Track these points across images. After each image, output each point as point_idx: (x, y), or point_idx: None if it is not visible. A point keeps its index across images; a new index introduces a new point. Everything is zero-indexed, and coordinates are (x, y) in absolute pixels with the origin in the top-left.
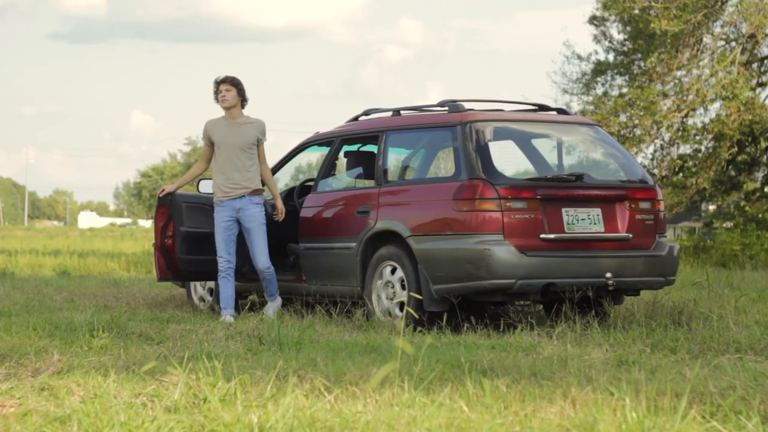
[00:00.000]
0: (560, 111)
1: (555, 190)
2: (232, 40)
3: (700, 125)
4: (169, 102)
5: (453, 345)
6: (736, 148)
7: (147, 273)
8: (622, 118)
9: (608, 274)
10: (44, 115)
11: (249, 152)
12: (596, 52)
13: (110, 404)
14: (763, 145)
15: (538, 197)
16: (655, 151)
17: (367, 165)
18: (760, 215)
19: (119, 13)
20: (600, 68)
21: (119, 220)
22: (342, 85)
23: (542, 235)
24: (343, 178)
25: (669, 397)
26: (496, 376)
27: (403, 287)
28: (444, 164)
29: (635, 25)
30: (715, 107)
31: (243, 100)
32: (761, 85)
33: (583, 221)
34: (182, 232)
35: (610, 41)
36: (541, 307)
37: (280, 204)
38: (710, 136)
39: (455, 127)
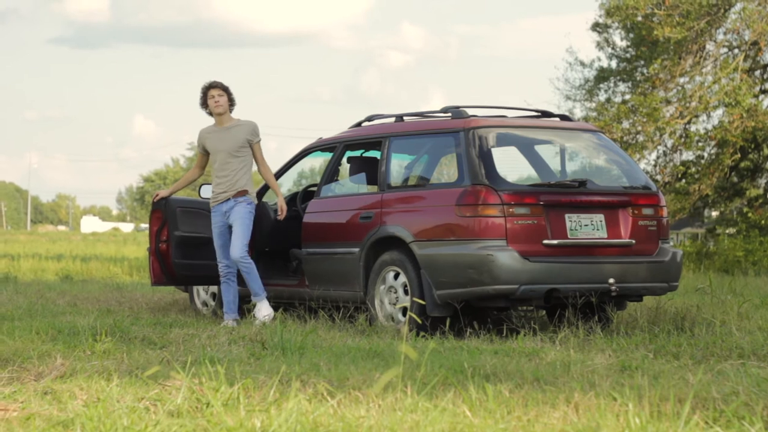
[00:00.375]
0: (563, 117)
1: (558, 196)
2: (234, 45)
3: (702, 132)
4: (172, 107)
5: (456, 350)
6: (738, 155)
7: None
8: (625, 124)
9: (611, 280)
10: (47, 120)
11: (238, 155)
12: (599, 59)
13: (113, 408)
14: (766, 151)
15: (541, 203)
16: (657, 157)
17: (370, 171)
18: (762, 221)
19: (121, 18)
20: (603, 75)
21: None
22: (344, 90)
23: (545, 241)
24: (346, 183)
25: (672, 403)
26: (499, 381)
27: (406, 292)
28: (447, 170)
29: (638, 32)
30: (717, 114)
31: (232, 105)
32: (764, 92)
33: (586, 227)
34: (176, 236)
35: (613, 48)
36: (543, 312)
37: (282, 202)
38: (713, 143)
39: (458, 133)
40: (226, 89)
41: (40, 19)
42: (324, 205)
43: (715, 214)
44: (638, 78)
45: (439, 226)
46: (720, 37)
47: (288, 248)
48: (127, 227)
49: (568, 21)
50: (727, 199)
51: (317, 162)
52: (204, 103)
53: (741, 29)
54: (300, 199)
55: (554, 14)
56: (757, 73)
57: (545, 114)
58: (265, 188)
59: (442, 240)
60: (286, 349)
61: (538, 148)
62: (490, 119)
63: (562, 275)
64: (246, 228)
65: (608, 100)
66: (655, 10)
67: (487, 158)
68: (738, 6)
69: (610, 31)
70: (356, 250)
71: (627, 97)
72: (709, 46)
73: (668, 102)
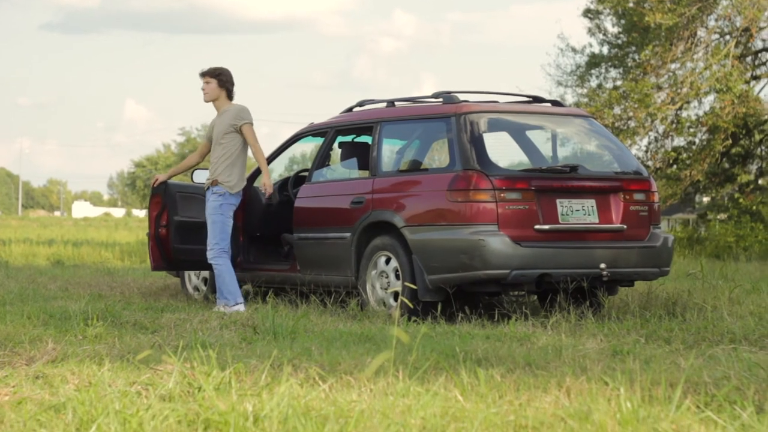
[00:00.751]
0: (555, 103)
1: (549, 182)
2: (226, 31)
3: (694, 118)
4: (163, 92)
5: (447, 335)
6: (730, 141)
7: (141, 262)
8: (617, 110)
9: (602, 265)
10: (38, 106)
11: (221, 142)
12: (590, 45)
13: (105, 393)
14: (757, 137)
15: (533, 188)
16: (649, 143)
17: (362, 156)
18: (753, 207)
19: (113, 4)
20: (594, 61)
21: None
22: (336, 76)
23: (536, 226)
24: (338, 168)
25: (663, 387)
26: (491, 366)
27: (397, 277)
28: (438, 155)
29: (629, 18)
30: (709, 100)
31: (228, 90)
32: (755, 78)
33: (578, 212)
34: (176, 221)
35: (604, 34)
36: (535, 297)
37: (267, 180)
38: (704, 129)
39: (450, 118)
40: (216, 75)
41: (31, 5)
42: (315, 190)
43: (706, 199)
44: (629, 64)
45: (430, 211)
46: (711, 23)
47: (279, 233)
48: (118, 212)
49: (560, 7)
50: (719, 184)
51: (308, 147)
52: None
53: (732, 15)
54: (291, 184)
55: (546, 1)
56: (749, 59)
57: (537, 99)
58: (258, 172)
59: (433, 225)
60: (277, 333)
61: (530, 134)
62: (482, 104)
63: (553, 260)
64: (213, 225)
65: (599, 86)
66: None
67: (478, 143)
68: None
69: (602, 17)
70: (348, 235)
71: (618, 83)
72: (701, 33)
73: (659, 88)
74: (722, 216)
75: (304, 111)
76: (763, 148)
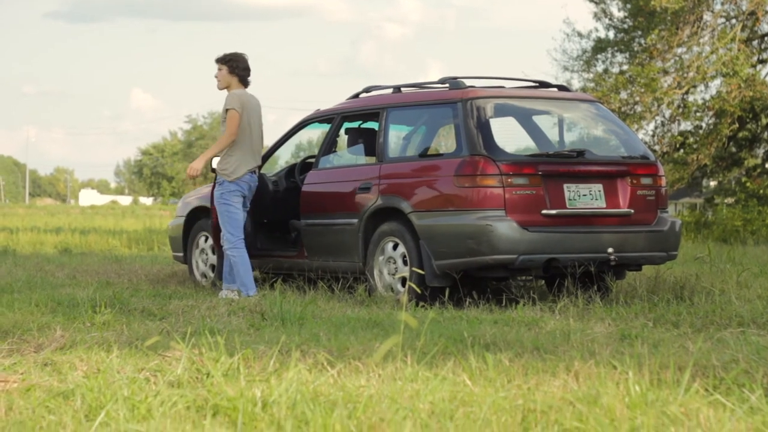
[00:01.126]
0: (561, 88)
1: (556, 166)
2: (231, 18)
3: (700, 102)
4: (169, 80)
5: (455, 320)
6: (736, 125)
7: (148, 250)
8: (623, 95)
9: (610, 250)
10: (44, 94)
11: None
12: (596, 30)
13: (113, 379)
14: (764, 121)
15: (540, 173)
16: (655, 127)
17: (368, 142)
18: (761, 191)
19: None
20: (600, 45)
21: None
22: (341, 62)
23: (544, 211)
24: (344, 155)
25: (672, 371)
26: (499, 351)
27: (404, 263)
28: (445, 141)
29: (635, 2)
30: (715, 84)
31: (240, 76)
32: (762, 62)
33: (585, 197)
34: None
35: (610, 19)
36: (543, 282)
37: (194, 163)
38: (711, 113)
39: (456, 103)
40: (226, 61)
41: None
42: (322, 176)
43: (713, 183)
44: (636, 48)
45: (437, 197)
46: (717, 7)
47: (287, 220)
48: (125, 200)
49: None
50: (726, 168)
51: (315, 134)
52: None
53: None
54: (298, 170)
55: None
56: (755, 43)
57: (543, 84)
58: (266, 158)
59: (440, 210)
60: (285, 319)
61: (537, 119)
62: (488, 90)
63: (560, 245)
64: (220, 215)
65: (606, 70)
66: None
67: (485, 129)
68: None
69: (608, 1)
70: (355, 221)
71: (625, 67)
72: (707, 16)
73: (666, 72)
74: (729, 200)
75: (310, 98)
76: None
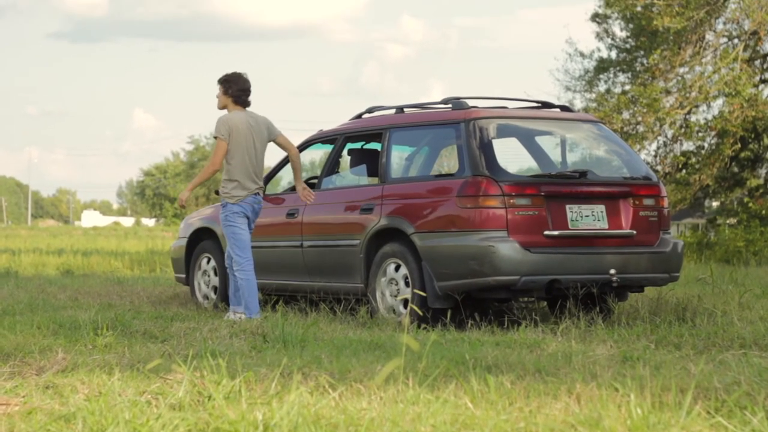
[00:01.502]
0: (563, 108)
1: (559, 187)
2: (233, 38)
3: (703, 122)
4: (171, 100)
5: (457, 342)
6: (739, 145)
7: (150, 272)
8: (625, 115)
9: (612, 271)
10: (47, 115)
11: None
12: (599, 50)
13: (115, 402)
14: (766, 141)
15: (542, 194)
16: (658, 147)
17: (371, 162)
18: (763, 211)
19: (120, 12)
20: (603, 65)
21: (124, 219)
22: (344, 83)
23: (546, 232)
24: (347, 175)
25: (674, 393)
26: (501, 373)
27: (407, 284)
28: (447, 161)
29: (638, 22)
30: (717, 104)
31: (234, 97)
32: (764, 81)
33: (587, 218)
34: None
35: (612, 38)
36: (545, 303)
37: (182, 194)
38: (713, 133)
39: (459, 124)
40: (221, 82)
41: (38, 14)
42: (325, 197)
43: (715, 204)
44: (638, 68)
45: (440, 218)
46: (720, 26)
47: None
48: (127, 221)
49: (568, 12)
50: (728, 189)
51: (318, 154)
52: None
53: (740, 19)
54: None
55: (554, 5)
56: (757, 62)
57: (546, 105)
58: (269, 177)
59: (443, 231)
60: (287, 341)
61: (539, 139)
62: (491, 110)
63: (563, 266)
64: (227, 237)
65: (608, 90)
66: (655, 0)
67: (487, 149)
68: None
69: (610, 21)
70: (357, 242)
71: (627, 87)
72: (709, 36)
73: (668, 92)
74: (732, 220)
75: (312, 118)
76: None
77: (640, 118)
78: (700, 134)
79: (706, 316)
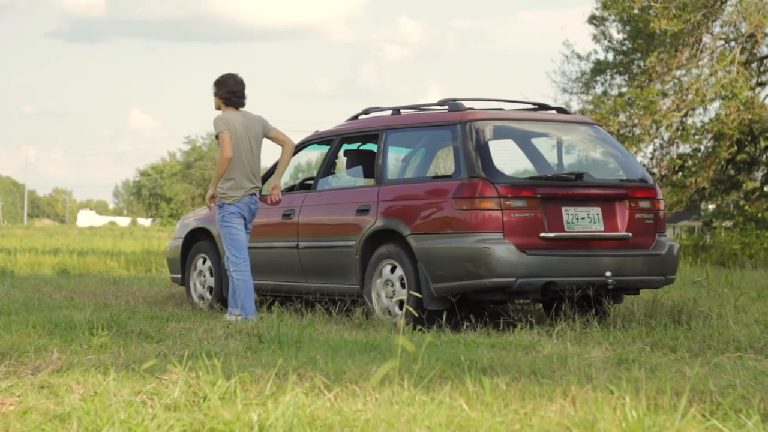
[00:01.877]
0: (560, 110)
1: (555, 189)
2: (231, 39)
3: (699, 124)
4: (168, 101)
5: (453, 343)
6: (735, 148)
7: (146, 272)
8: (622, 117)
9: (608, 273)
10: (43, 114)
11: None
12: (596, 52)
13: (110, 402)
14: (763, 144)
15: (538, 196)
16: (654, 150)
17: (367, 163)
18: (759, 214)
19: (118, 12)
20: (599, 68)
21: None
22: (341, 84)
23: (542, 234)
24: (343, 176)
25: (669, 396)
26: (496, 375)
27: (402, 286)
28: (444, 163)
29: (635, 24)
30: (714, 107)
31: (224, 98)
32: (761, 84)
33: (583, 220)
34: None
35: (609, 41)
36: (540, 305)
37: (208, 193)
38: (710, 136)
39: (455, 126)
40: (214, 84)
41: (36, 13)
42: (321, 198)
43: (711, 207)
44: (635, 71)
45: (436, 219)
46: (717, 29)
47: None
48: (123, 221)
49: (565, 14)
50: (724, 192)
51: (314, 155)
52: None
53: (738, 21)
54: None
55: (551, 7)
56: (754, 65)
57: (542, 107)
58: (263, 180)
59: (438, 233)
60: (282, 342)
61: (535, 141)
62: (487, 112)
63: (558, 268)
64: (223, 238)
65: (605, 92)
66: (652, 3)
67: (484, 151)
68: None
69: (607, 23)
70: (353, 243)
71: (624, 89)
72: (706, 39)
73: (665, 95)
74: (728, 223)
75: (309, 119)
76: None
77: (636, 121)
78: (697, 137)
79: (701, 319)
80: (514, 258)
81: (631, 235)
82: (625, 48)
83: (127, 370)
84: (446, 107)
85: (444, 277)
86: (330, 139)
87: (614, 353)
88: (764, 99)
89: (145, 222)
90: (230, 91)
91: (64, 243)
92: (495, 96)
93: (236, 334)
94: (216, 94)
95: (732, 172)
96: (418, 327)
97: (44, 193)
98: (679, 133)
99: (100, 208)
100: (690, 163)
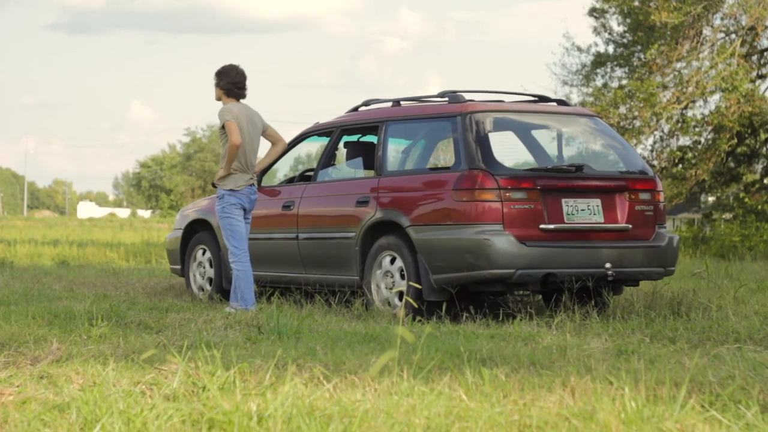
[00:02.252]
0: (560, 102)
1: (555, 181)
2: (230, 30)
3: (699, 117)
4: (168, 92)
5: (452, 334)
6: (735, 140)
7: (146, 263)
8: (622, 109)
9: (607, 265)
10: (43, 106)
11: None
12: (596, 44)
13: (109, 392)
14: (763, 136)
15: (538, 188)
16: (654, 142)
17: (367, 155)
18: (759, 207)
19: (118, 4)
20: (600, 60)
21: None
22: (341, 76)
23: (542, 226)
24: (343, 168)
25: (668, 387)
26: (495, 366)
27: (402, 277)
28: (444, 155)
29: (635, 17)
30: (714, 99)
31: (225, 89)
32: (761, 77)
33: (583, 212)
34: None
35: (609, 33)
36: (540, 297)
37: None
38: (710, 128)
39: (455, 117)
40: (215, 75)
41: (36, 5)
42: (321, 189)
43: (711, 199)
44: (635, 63)
45: (435, 211)
46: (717, 22)
47: None
48: (123, 213)
49: (566, 6)
50: (724, 184)
51: (314, 147)
52: None
53: (738, 14)
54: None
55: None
56: (754, 58)
57: (542, 99)
58: (263, 172)
59: (438, 224)
60: (282, 333)
61: (535, 133)
62: (487, 104)
63: (558, 260)
64: (223, 229)
65: (605, 85)
66: None
67: (484, 143)
68: None
69: (607, 16)
70: (353, 234)
71: (624, 82)
72: (706, 31)
73: (665, 87)
74: (727, 215)
75: (309, 111)
76: None
77: (636, 113)
78: (697, 129)
79: (701, 311)
80: (514, 249)
81: (630, 226)
82: (625, 40)
83: (126, 361)
84: (446, 99)
85: (444, 268)
86: (330, 131)
87: (614, 344)
88: (764, 91)
89: (144, 213)
90: (232, 82)
91: (64, 234)
92: (495, 88)
93: (235, 325)
94: (217, 85)
95: (732, 165)
96: (418, 318)
97: (44, 184)
98: (680, 125)
99: (100, 200)
100: (690, 155)
